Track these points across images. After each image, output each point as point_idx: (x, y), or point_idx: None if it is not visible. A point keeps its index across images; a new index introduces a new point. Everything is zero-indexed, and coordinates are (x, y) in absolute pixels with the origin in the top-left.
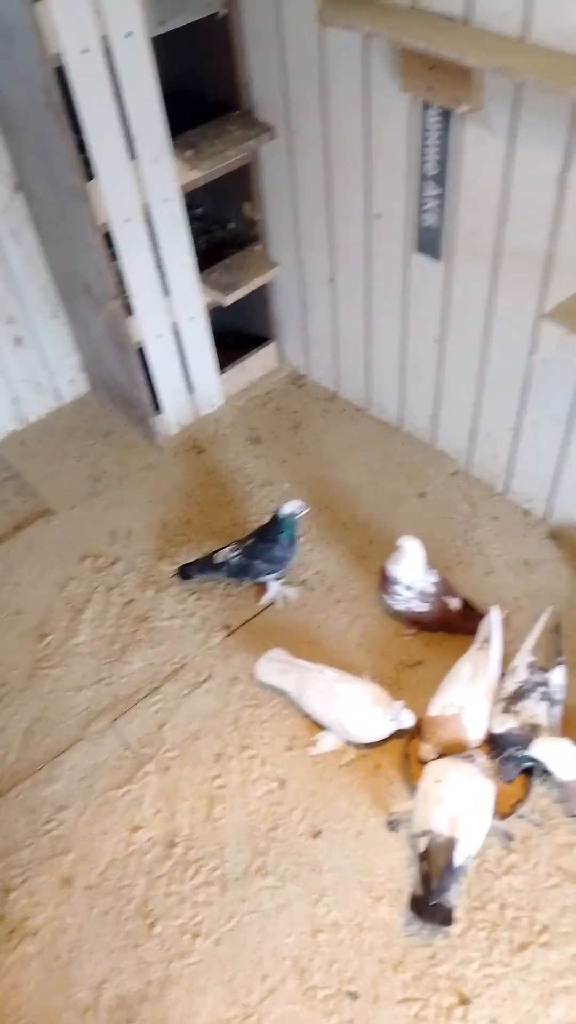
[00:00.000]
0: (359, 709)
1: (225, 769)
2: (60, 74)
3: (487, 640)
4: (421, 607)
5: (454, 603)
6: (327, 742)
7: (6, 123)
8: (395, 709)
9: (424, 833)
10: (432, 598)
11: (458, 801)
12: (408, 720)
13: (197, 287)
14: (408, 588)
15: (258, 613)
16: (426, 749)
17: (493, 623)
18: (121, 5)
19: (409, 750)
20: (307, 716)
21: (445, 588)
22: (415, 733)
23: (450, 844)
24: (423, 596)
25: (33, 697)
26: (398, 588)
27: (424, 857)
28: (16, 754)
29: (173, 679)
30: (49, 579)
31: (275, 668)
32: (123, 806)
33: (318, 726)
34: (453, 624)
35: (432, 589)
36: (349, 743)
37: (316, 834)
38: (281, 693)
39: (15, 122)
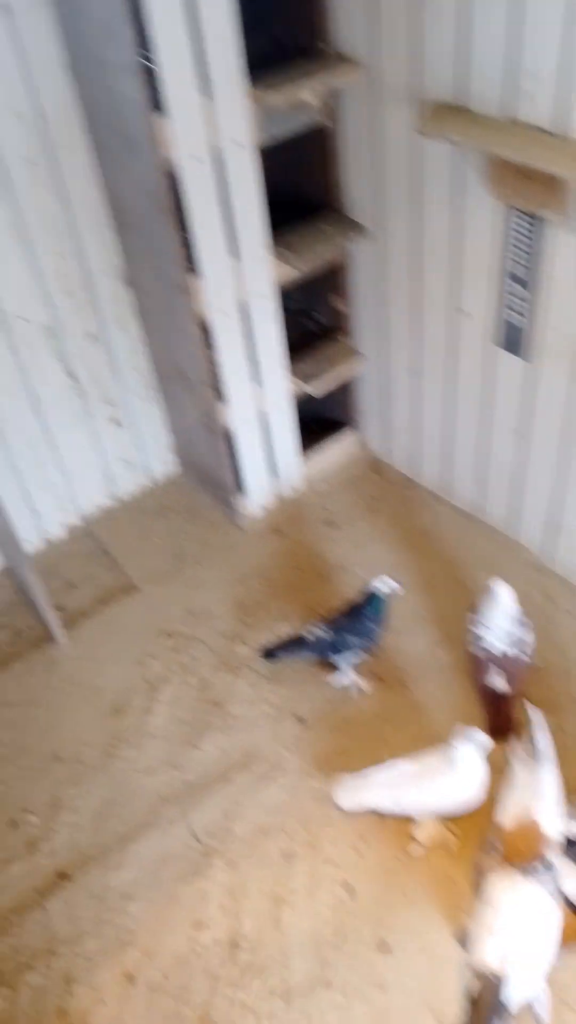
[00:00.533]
0: (451, 775)
1: (293, 870)
2: (173, 180)
3: (531, 739)
4: (471, 649)
5: (499, 683)
6: (425, 832)
7: (121, 223)
8: (464, 736)
9: (474, 968)
10: (484, 654)
11: (513, 931)
12: (481, 738)
13: (285, 377)
14: (481, 627)
15: (331, 705)
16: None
17: (535, 722)
18: (233, 118)
19: (482, 864)
20: (409, 816)
21: (507, 667)
22: (489, 847)
23: (497, 984)
24: (477, 642)
25: (106, 777)
26: (473, 617)
27: (470, 997)
28: (87, 836)
29: (244, 769)
30: (129, 656)
31: (355, 791)
32: (189, 901)
33: (409, 820)
34: (482, 698)
35: (492, 651)
36: (455, 816)
37: (384, 948)
38: (373, 811)
39: (129, 222)
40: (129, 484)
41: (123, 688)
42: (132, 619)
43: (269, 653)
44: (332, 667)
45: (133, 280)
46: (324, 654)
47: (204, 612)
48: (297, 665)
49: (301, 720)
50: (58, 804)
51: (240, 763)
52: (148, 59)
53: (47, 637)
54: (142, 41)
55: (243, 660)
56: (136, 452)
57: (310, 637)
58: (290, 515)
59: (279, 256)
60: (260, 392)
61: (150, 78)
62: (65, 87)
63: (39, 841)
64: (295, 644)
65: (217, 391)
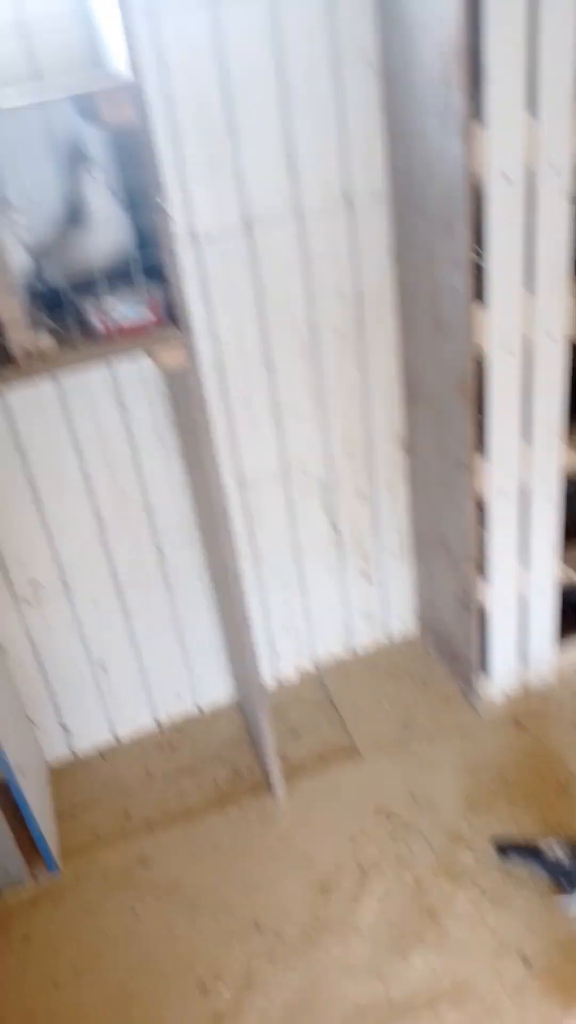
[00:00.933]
0: None
1: None
2: (479, 366)
3: None
4: None
5: None
6: None
7: (412, 395)
8: None
9: None
10: None
11: None
12: None
13: (556, 562)
14: None
15: (564, 951)
16: None
17: None
18: (551, 313)
19: None
20: None
21: None
22: None
23: None
24: None
25: (304, 964)
26: None
27: None
28: None
29: (455, 1004)
30: (343, 828)
31: None
32: None
33: None
34: None
35: None
36: None
37: None
38: None
39: (421, 395)
40: (366, 638)
41: (333, 864)
42: (351, 787)
43: (502, 849)
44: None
45: (411, 448)
46: (558, 880)
47: (427, 799)
48: (528, 887)
49: (527, 961)
50: (251, 981)
51: (450, 994)
52: (479, 254)
53: (265, 785)
54: (476, 239)
55: (466, 869)
56: (379, 608)
57: (549, 854)
58: (536, 709)
59: (572, 444)
60: (526, 575)
61: (476, 271)
62: (386, 271)
63: (225, 1018)
64: (531, 853)
65: (480, 568)
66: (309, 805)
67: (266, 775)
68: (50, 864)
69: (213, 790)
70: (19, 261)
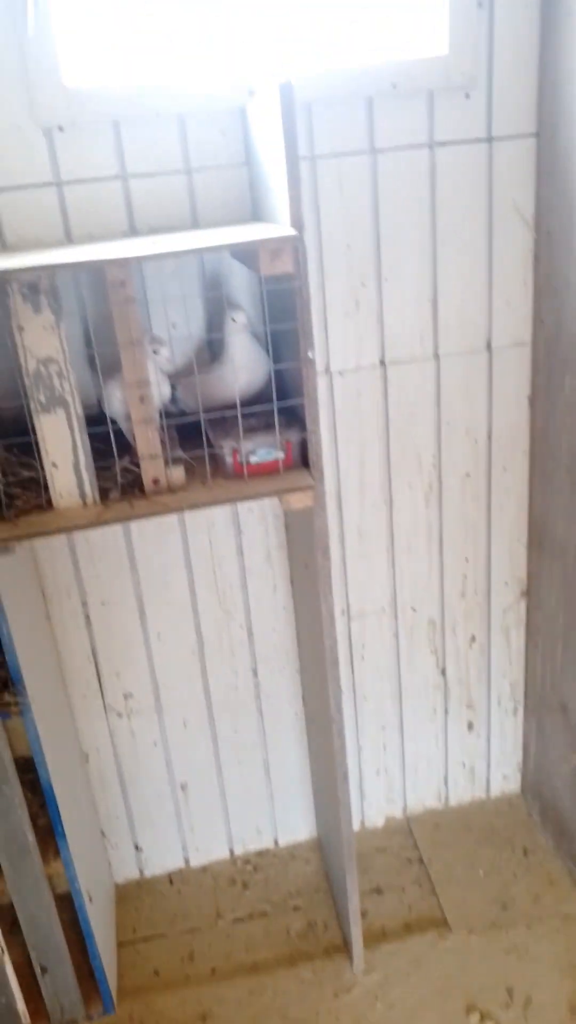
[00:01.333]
0: None
1: None
2: None
3: None
4: None
5: None
6: None
7: (538, 541)
8: None
9: None
10: None
11: None
12: None
13: None
14: None
15: None
16: None
17: None
18: None
19: None
20: None
21: None
22: None
23: None
24: None
25: None
26: None
27: None
28: None
29: None
30: (426, 1017)
31: None
32: None
33: None
34: None
35: None
36: None
37: None
38: None
39: (549, 545)
40: (462, 792)
41: None
42: (438, 968)
43: None
44: None
45: (533, 595)
46: None
47: (524, 997)
48: None
49: None
50: None
51: None
52: None
53: (342, 946)
54: None
55: None
56: (480, 761)
57: None
58: None
59: None
60: None
61: None
62: (522, 418)
63: None
64: None
65: None
66: (389, 981)
67: (344, 936)
68: (107, 1004)
69: (284, 942)
70: (160, 394)
